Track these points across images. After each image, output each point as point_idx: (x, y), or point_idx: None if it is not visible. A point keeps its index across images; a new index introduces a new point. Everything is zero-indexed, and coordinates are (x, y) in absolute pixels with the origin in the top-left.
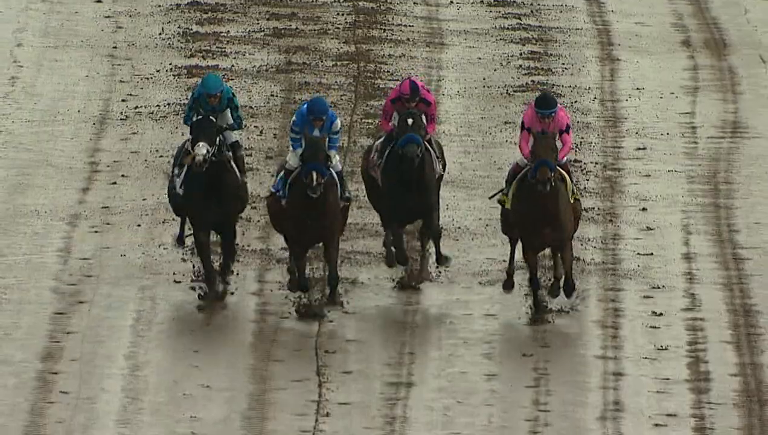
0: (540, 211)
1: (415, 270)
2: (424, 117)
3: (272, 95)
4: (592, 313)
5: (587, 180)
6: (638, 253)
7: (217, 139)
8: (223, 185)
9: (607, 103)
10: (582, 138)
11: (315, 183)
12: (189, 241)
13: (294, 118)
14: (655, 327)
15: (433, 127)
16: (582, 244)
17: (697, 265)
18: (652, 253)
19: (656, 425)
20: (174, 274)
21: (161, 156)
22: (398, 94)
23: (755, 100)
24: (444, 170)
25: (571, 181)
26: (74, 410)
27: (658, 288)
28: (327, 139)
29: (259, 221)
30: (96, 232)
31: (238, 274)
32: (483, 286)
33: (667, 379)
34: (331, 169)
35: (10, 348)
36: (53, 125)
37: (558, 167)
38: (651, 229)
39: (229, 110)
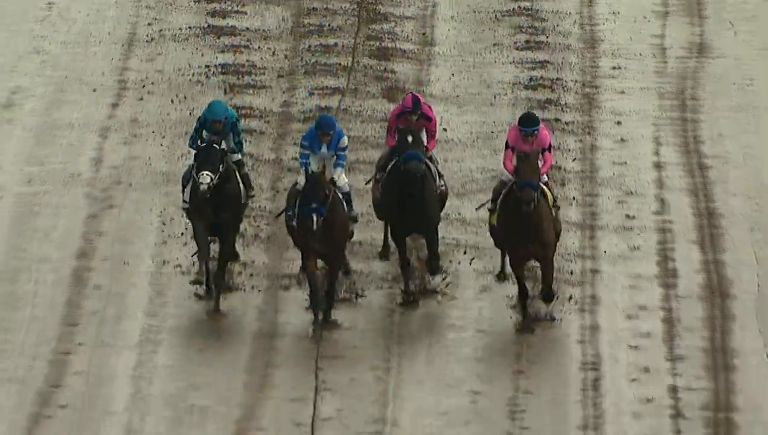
0: (524, 227)
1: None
2: (424, 133)
3: (283, 20)
4: (572, 215)
5: (568, 96)
6: (613, 162)
7: (221, 168)
8: (224, 193)
9: (585, 27)
10: (563, 58)
11: (315, 226)
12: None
13: (303, 134)
14: (628, 229)
15: (433, 143)
16: (563, 154)
17: (666, 173)
18: (625, 162)
19: (629, 317)
20: None
21: (183, 74)
22: (402, 109)
23: (719, 24)
24: (445, 187)
25: (552, 193)
26: (106, 303)
27: (631, 194)
28: (334, 156)
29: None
30: (125, 143)
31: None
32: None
33: (639, 275)
34: (336, 191)
35: (48, 248)
36: (86, 47)
37: (541, 184)
38: (625, 141)
39: (232, 135)
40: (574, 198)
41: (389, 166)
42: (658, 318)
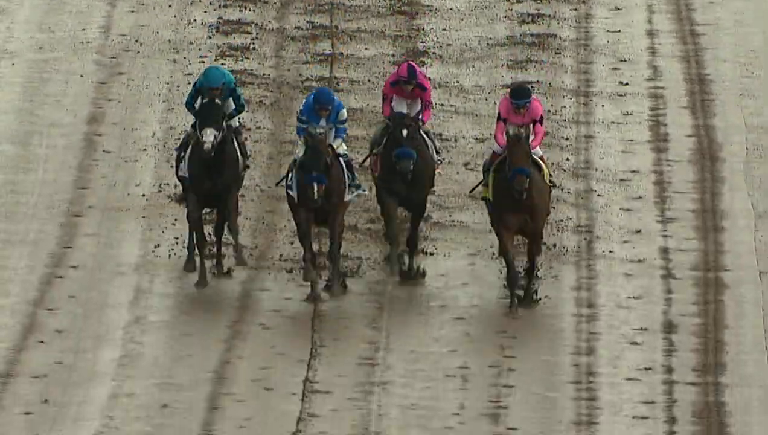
0: (517, 204)
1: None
2: (419, 103)
3: None
4: (567, 82)
5: None
6: (607, 30)
7: (224, 123)
8: (223, 159)
9: None
10: None
11: (316, 196)
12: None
13: (301, 107)
14: (621, 95)
15: (428, 113)
16: (558, 23)
17: (659, 41)
18: (619, 30)
19: (622, 180)
20: (199, 49)
21: None
22: (396, 78)
23: None
24: (439, 157)
25: (548, 168)
26: (115, 168)
27: (625, 61)
28: (333, 129)
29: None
30: (133, 11)
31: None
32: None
33: (632, 140)
34: (339, 159)
35: (59, 113)
36: None
37: (536, 157)
38: (619, 9)
39: (231, 99)
40: (569, 65)
41: (384, 141)
42: (649, 181)
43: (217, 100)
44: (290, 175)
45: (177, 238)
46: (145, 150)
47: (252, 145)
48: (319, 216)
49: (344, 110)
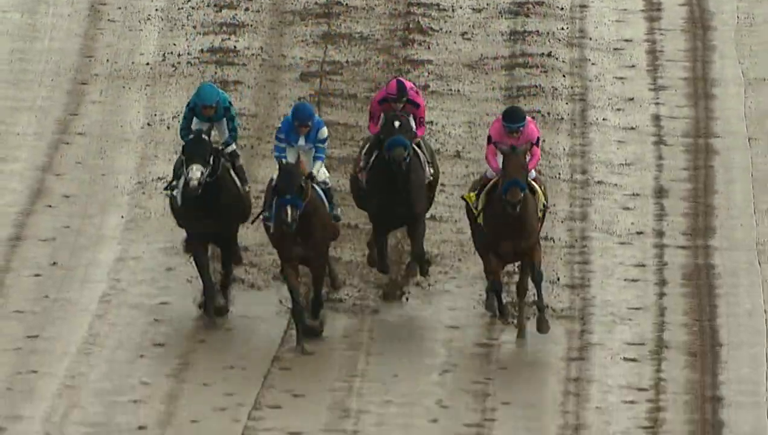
0: (508, 226)
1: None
2: (412, 119)
3: None
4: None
5: None
6: None
7: (211, 159)
8: (221, 200)
9: None
10: None
11: (290, 219)
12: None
13: (279, 125)
14: None
15: (422, 130)
16: None
17: None
18: None
19: (615, 49)
20: None
21: None
22: (385, 95)
23: None
24: (435, 175)
25: (543, 192)
26: (120, 37)
27: None
28: (312, 148)
29: None
30: None
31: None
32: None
33: (625, 10)
34: (314, 187)
35: None
36: None
37: (529, 180)
38: None
39: (224, 120)
40: None
41: (374, 155)
42: (642, 50)
43: (204, 136)
44: (267, 206)
45: (178, 108)
46: (149, 19)
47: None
48: (303, 253)
49: (324, 128)
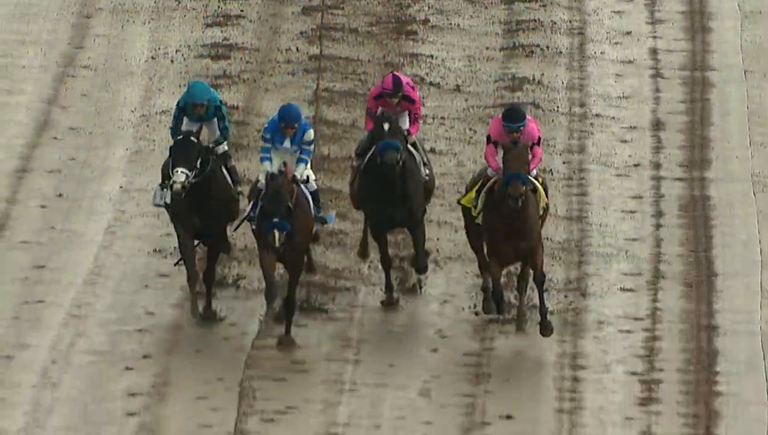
0: (508, 226)
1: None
2: (407, 116)
3: None
4: None
5: None
6: None
7: (198, 161)
8: (211, 200)
9: None
10: None
11: (277, 243)
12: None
13: (265, 125)
14: None
15: (416, 127)
16: None
17: None
18: None
19: None
20: None
21: None
22: (381, 90)
23: None
24: (431, 179)
25: (545, 191)
26: None
27: None
28: (298, 151)
29: None
30: None
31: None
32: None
33: None
34: (300, 188)
35: None
36: None
37: (531, 178)
38: None
39: (216, 120)
40: None
41: (367, 156)
42: None
43: (192, 138)
44: (254, 208)
45: (181, 42)
46: None
47: None
48: (283, 256)
49: (311, 131)
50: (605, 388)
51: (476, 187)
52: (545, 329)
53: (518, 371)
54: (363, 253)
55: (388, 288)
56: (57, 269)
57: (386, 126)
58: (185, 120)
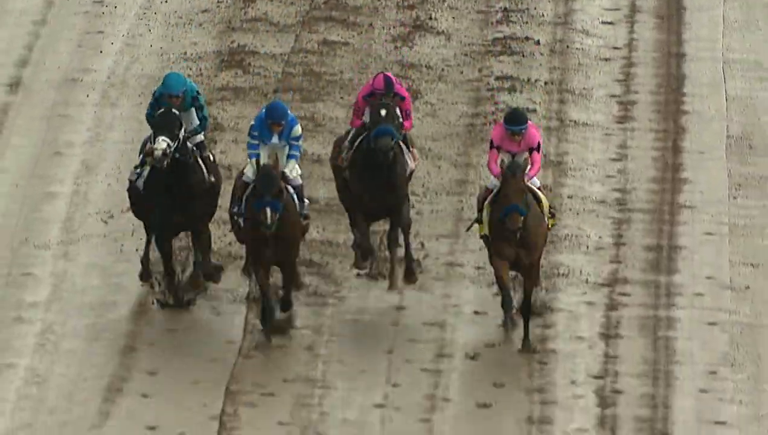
0: (513, 236)
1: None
2: (399, 112)
3: None
4: None
5: None
6: None
7: (180, 134)
8: (188, 188)
9: None
10: None
11: (269, 221)
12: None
13: (252, 122)
14: None
15: (409, 123)
16: None
17: None
18: None
19: None
20: None
21: None
22: (371, 90)
23: None
24: (416, 162)
25: (546, 200)
26: None
27: None
28: (286, 146)
29: None
30: None
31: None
32: None
33: None
34: (289, 185)
35: None
36: None
37: (533, 188)
38: None
39: (193, 110)
40: None
41: (356, 142)
42: None
43: (174, 110)
44: (237, 200)
45: None
46: None
47: None
48: (274, 254)
49: (298, 126)
50: (588, 109)
51: (479, 205)
52: (527, 349)
53: None
54: (360, 266)
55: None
56: (113, 3)
57: (383, 112)
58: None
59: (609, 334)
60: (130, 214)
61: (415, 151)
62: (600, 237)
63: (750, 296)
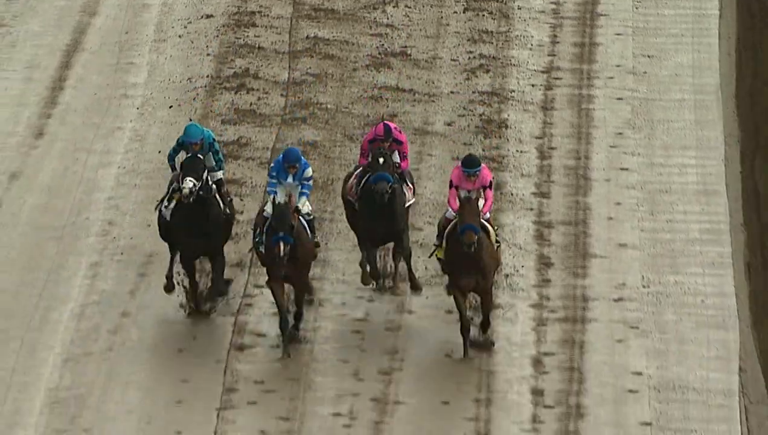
0: (467, 261)
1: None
2: (397, 154)
3: None
4: None
5: None
6: None
7: (204, 176)
8: (208, 219)
9: None
10: None
11: (282, 253)
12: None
13: (272, 164)
14: None
15: (406, 163)
16: None
17: None
18: None
19: None
20: None
21: None
22: (374, 136)
23: None
24: (413, 197)
25: (494, 230)
26: None
27: None
28: (299, 185)
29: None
30: None
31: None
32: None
33: None
34: (300, 219)
35: None
36: None
37: (483, 221)
38: None
39: (211, 154)
40: None
41: (362, 183)
42: None
43: (199, 155)
44: (260, 234)
45: None
46: None
47: None
48: (289, 274)
49: (309, 169)
50: None
51: (438, 233)
52: (486, 345)
53: None
54: (366, 281)
55: (374, 277)
56: None
57: (381, 160)
58: (182, 154)
59: (546, 107)
60: None
61: (411, 186)
62: (542, 38)
63: (647, 79)
